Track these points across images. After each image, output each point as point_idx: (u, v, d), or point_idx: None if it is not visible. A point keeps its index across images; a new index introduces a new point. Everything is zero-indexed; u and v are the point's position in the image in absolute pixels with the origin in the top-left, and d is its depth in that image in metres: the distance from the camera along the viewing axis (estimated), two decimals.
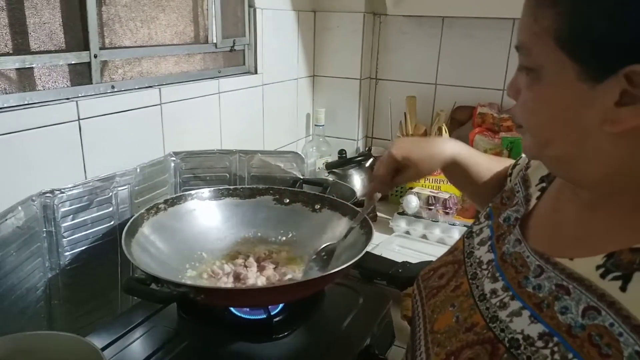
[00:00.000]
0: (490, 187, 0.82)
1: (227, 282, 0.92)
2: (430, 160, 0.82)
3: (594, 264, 0.46)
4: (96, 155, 0.98)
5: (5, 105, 0.84)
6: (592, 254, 0.47)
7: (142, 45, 1.15)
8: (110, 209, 0.96)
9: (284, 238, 1.08)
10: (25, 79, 0.90)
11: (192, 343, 0.83)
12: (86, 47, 1.00)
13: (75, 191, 0.89)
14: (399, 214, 1.47)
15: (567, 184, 0.57)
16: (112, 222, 0.97)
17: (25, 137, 0.85)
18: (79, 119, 0.94)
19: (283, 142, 1.66)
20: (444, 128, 1.58)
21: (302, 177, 1.23)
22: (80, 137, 0.94)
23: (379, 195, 0.86)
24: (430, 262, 0.75)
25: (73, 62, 0.98)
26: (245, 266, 0.96)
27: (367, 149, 1.80)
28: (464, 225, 1.39)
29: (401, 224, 1.44)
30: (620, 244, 0.45)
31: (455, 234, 1.36)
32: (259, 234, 1.08)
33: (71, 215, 0.89)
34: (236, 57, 1.44)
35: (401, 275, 1.07)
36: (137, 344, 0.82)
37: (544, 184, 0.64)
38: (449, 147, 0.83)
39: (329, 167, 1.55)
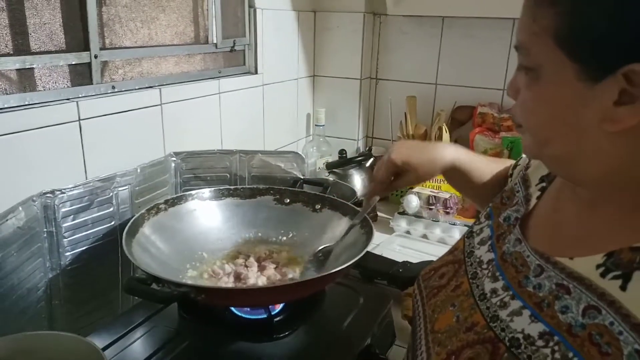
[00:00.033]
0: (490, 188, 0.82)
1: (227, 282, 0.92)
2: (430, 165, 0.82)
3: (594, 263, 0.46)
4: (97, 156, 0.98)
5: (5, 106, 0.84)
6: (592, 253, 0.47)
7: (142, 46, 1.15)
8: (111, 209, 0.97)
9: (284, 238, 1.08)
10: (25, 80, 0.90)
11: (193, 343, 0.83)
12: (86, 47, 1.00)
13: (75, 191, 0.89)
14: (400, 213, 1.47)
15: (567, 184, 0.57)
16: (112, 223, 0.97)
17: (26, 137, 0.85)
18: (79, 120, 0.94)
19: (283, 142, 1.66)
20: (445, 128, 1.58)
21: (302, 177, 1.23)
22: (81, 138, 0.95)
23: (377, 198, 0.87)
24: (430, 261, 0.75)
25: (73, 63, 0.98)
26: (246, 266, 0.96)
27: (367, 148, 1.80)
28: (465, 225, 1.39)
29: (402, 224, 1.44)
30: (620, 243, 0.45)
31: (456, 234, 1.36)
32: (260, 234, 1.08)
33: (72, 216, 0.89)
34: (236, 57, 1.44)
35: (402, 275, 1.07)
36: (138, 344, 0.82)
37: (544, 184, 0.64)
38: (449, 152, 0.83)
39: (330, 167, 1.55)
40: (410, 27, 1.67)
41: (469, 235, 0.70)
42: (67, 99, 0.94)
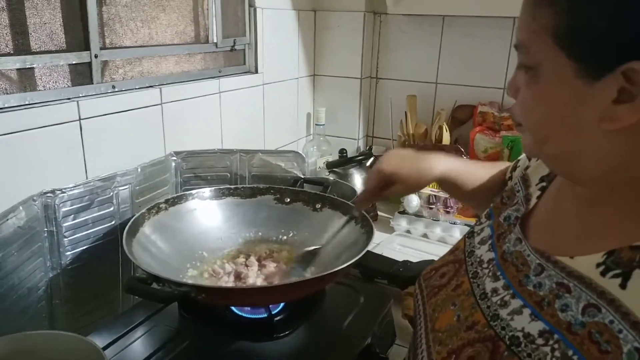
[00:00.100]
0: (486, 193, 0.83)
1: (228, 282, 0.92)
2: (419, 177, 0.83)
3: (594, 261, 0.46)
4: (97, 155, 0.98)
5: (6, 106, 0.84)
6: (592, 252, 0.47)
7: (142, 45, 1.15)
8: (111, 208, 0.97)
9: (284, 237, 1.08)
10: (26, 79, 0.90)
11: (193, 342, 0.83)
12: (87, 47, 1.00)
13: (76, 191, 0.89)
14: (400, 213, 1.47)
15: (567, 183, 0.57)
16: (113, 222, 0.97)
17: (26, 137, 0.85)
18: (79, 119, 0.94)
19: (284, 142, 1.66)
20: (445, 127, 1.58)
21: (302, 177, 1.23)
22: (81, 137, 0.95)
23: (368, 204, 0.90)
24: (431, 261, 0.75)
25: (74, 62, 0.98)
26: (246, 265, 0.97)
27: (367, 148, 1.80)
28: (465, 224, 1.38)
29: (402, 223, 1.44)
30: (620, 241, 0.45)
31: (456, 233, 1.36)
32: (260, 234, 1.08)
33: (72, 215, 0.89)
34: (237, 56, 1.44)
35: (402, 274, 1.07)
36: (138, 344, 0.82)
37: (544, 184, 0.64)
38: (439, 164, 0.84)
39: (330, 166, 1.55)
40: (410, 26, 1.67)
41: (470, 235, 0.70)
42: (68, 99, 0.94)
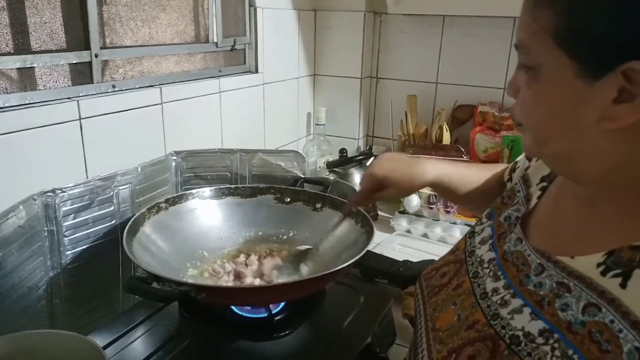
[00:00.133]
0: (482, 196, 0.84)
1: (228, 281, 0.92)
2: (410, 182, 0.84)
3: (594, 261, 0.46)
4: (97, 155, 0.98)
5: (6, 105, 0.84)
6: (592, 252, 0.47)
7: (142, 45, 1.15)
8: (112, 208, 0.97)
9: (285, 237, 1.08)
10: (26, 79, 0.90)
11: (193, 342, 0.83)
12: (87, 46, 1.00)
13: (76, 190, 0.89)
14: (400, 212, 1.47)
15: (568, 183, 0.57)
16: (113, 221, 0.97)
17: (27, 136, 0.85)
18: (80, 119, 0.94)
19: (284, 141, 1.66)
20: (445, 127, 1.58)
21: (303, 176, 1.23)
22: (82, 137, 0.95)
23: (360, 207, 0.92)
24: (431, 261, 0.76)
25: (74, 62, 0.98)
26: (247, 265, 0.97)
27: (368, 147, 1.80)
28: (465, 224, 1.38)
29: (402, 223, 1.44)
30: (621, 241, 0.45)
31: (457, 233, 1.36)
32: (260, 233, 1.08)
33: (72, 215, 0.89)
34: (237, 56, 1.44)
35: (402, 274, 1.07)
36: (139, 343, 0.83)
37: (544, 184, 0.64)
38: (432, 169, 0.85)
39: (330, 166, 1.56)
40: (410, 26, 1.67)
41: (471, 234, 0.70)
42: (68, 98, 0.94)
